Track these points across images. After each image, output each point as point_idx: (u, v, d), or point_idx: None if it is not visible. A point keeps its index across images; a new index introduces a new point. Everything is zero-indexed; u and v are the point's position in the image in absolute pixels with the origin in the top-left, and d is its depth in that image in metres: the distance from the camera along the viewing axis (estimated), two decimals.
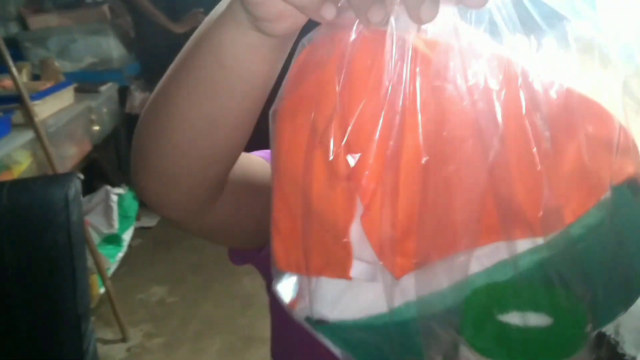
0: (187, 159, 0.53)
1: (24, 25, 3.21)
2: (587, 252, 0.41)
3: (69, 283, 1.39)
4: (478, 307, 0.40)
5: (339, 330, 0.44)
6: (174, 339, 2.54)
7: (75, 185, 1.43)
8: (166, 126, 0.52)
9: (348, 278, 0.42)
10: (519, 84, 0.40)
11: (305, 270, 0.44)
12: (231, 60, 0.47)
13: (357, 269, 0.42)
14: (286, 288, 0.46)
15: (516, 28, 0.40)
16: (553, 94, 0.41)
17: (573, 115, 0.41)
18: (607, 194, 0.41)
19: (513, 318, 0.41)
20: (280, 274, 0.46)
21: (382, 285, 0.41)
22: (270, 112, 0.46)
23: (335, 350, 0.46)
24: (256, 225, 0.68)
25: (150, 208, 0.59)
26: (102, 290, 2.51)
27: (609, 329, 1.34)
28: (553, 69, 0.42)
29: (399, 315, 0.41)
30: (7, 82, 2.51)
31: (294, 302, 0.45)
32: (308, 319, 0.45)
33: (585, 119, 0.41)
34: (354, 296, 0.43)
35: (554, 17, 0.41)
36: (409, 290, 0.41)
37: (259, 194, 0.65)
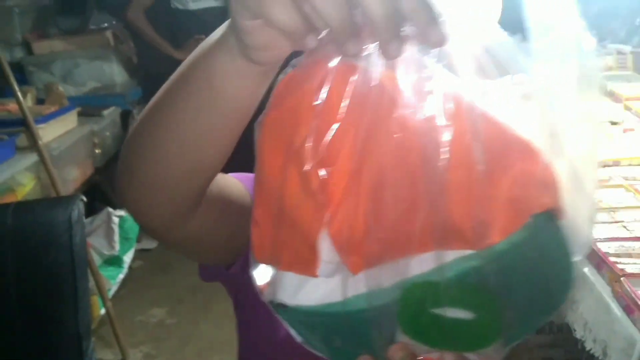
0: (172, 171, 0.57)
1: (29, 50, 3.29)
2: (510, 266, 0.47)
3: (70, 303, 1.42)
4: (414, 301, 0.47)
5: (296, 314, 0.51)
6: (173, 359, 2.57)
7: (78, 208, 1.48)
8: (156, 138, 0.57)
9: (314, 276, 0.49)
10: (466, 117, 0.46)
11: (276, 265, 0.51)
12: (220, 83, 0.52)
13: (321, 267, 0.48)
14: (259, 274, 0.52)
15: (471, 69, 0.46)
16: (495, 129, 0.47)
17: (509, 149, 0.47)
18: (530, 219, 0.47)
19: (443, 312, 0.47)
20: (256, 263, 0.52)
21: (339, 279, 0.48)
22: (256, 123, 0.52)
23: (294, 333, 0.53)
24: (226, 242, 0.73)
25: (130, 214, 0.63)
26: (102, 311, 2.54)
27: (597, 351, 1.37)
28: (497, 109, 0.48)
29: (350, 305, 0.48)
30: (12, 106, 2.56)
31: (263, 287, 0.52)
32: (271, 302, 0.52)
33: (518, 154, 0.48)
34: (314, 287, 0.49)
35: (501, 66, 0.47)
36: (360, 284, 0.47)
37: (231, 213, 0.70)
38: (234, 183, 0.73)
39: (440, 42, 0.43)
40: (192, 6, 3.18)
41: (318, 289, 0.49)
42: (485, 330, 0.49)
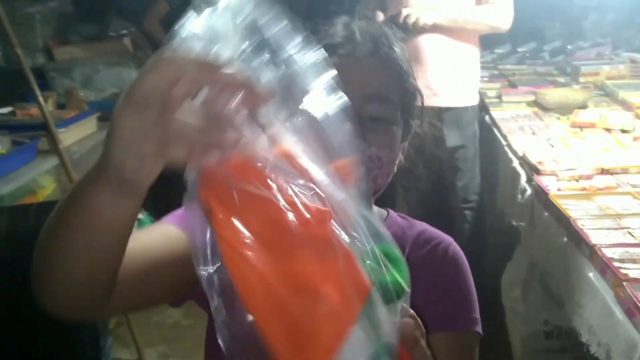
0: (74, 272, 0.61)
1: (50, 56, 3.36)
2: None
3: None
4: None
5: None
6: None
7: None
8: (55, 247, 0.61)
9: None
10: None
11: None
12: (99, 214, 0.56)
13: None
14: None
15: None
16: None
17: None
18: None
19: None
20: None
21: None
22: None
23: None
24: (172, 287, 0.79)
25: (48, 307, 0.66)
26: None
27: (601, 354, 1.39)
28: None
29: None
30: (34, 111, 2.64)
31: None
32: None
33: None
34: None
35: None
36: None
37: (166, 267, 0.74)
38: (161, 234, 0.79)
39: (268, 96, 0.50)
40: None
41: None
42: None
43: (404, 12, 2.43)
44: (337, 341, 0.50)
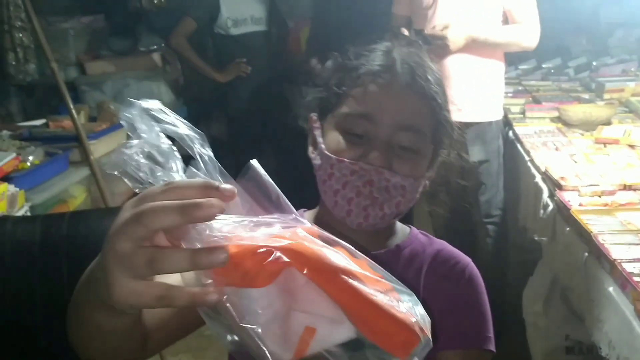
0: (99, 349, 0.69)
1: (82, 70, 3.46)
2: None
3: None
4: None
5: None
6: None
7: None
8: (79, 332, 0.69)
9: None
10: None
11: None
12: (99, 321, 0.63)
13: None
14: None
15: None
16: None
17: None
18: None
19: None
20: None
21: None
22: None
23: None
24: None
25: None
26: None
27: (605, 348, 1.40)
28: None
29: None
30: (67, 123, 2.72)
31: None
32: None
33: None
34: None
35: None
36: None
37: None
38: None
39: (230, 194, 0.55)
40: (233, 31, 3.32)
41: None
42: None
43: (436, 26, 2.45)
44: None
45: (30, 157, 2.31)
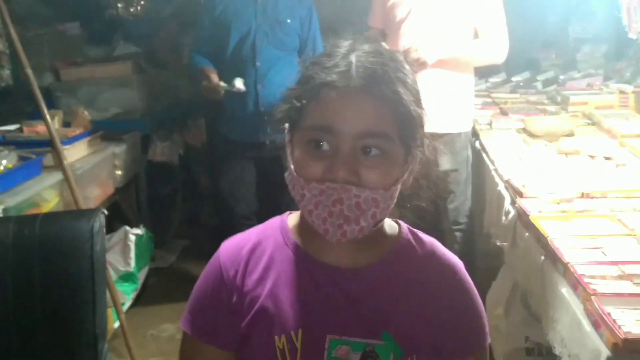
0: None
1: (56, 77, 3.47)
2: None
3: (89, 305, 1.55)
4: None
5: None
6: None
7: (100, 220, 1.62)
8: None
9: None
10: None
11: None
12: None
13: None
14: None
15: None
16: None
17: None
18: None
19: None
20: None
21: None
22: None
23: None
24: None
25: None
26: (116, 324, 2.67)
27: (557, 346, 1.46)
28: None
29: None
30: (40, 128, 2.74)
31: None
32: None
33: None
34: None
35: None
36: None
37: None
38: None
39: None
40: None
41: None
42: None
43: (409, 47, 2.51)
44: None
45: (4, 161, 2.33)
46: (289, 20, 2.87)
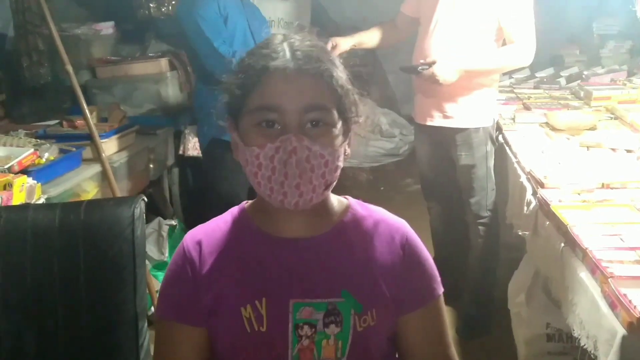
0: None
1: (93, 74, 3.60)
2: None
3: (130, 286, 1.64)
4: None
5: None
6: None
7: (140, 206, 1.71)
8: None
9: None
10: None
11: None
12: None
13: None
14: None
15: None
16: None
17: None
18: None
19: None
20: None
21: None
22: None
23: None
24: None
25: None
26: (151, 310, 2.77)
27: (589, 346, 1.53)
28: None
29: None
30: (79, 123, 2.87)
31: None
32: None
33: None
34: None
35: None
36: None
37: None
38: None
39: None
40: None
41: None
42: None
43: (434, 72, 2.50)
44: None
45: (46, 154, 2.45)
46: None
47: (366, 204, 1.20)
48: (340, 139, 1.06)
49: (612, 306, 1.41)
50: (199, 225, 1.19)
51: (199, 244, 1.13)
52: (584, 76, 4.00)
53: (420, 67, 2.56)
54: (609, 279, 1.45)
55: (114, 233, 1.66)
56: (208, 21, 2.71)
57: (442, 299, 1.16)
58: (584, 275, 1.61)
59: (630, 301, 1.35)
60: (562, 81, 4.02)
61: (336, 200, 1.17)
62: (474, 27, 2.60)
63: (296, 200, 1.02)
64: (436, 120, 2.78)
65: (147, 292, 2.64)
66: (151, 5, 4.13)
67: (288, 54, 1.03)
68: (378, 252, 1.12)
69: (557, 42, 4.37)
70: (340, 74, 1.07)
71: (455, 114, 2.71)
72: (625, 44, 4.24)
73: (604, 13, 4.39)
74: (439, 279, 1.16)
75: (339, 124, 1.06)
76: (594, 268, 1.56)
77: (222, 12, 2.76)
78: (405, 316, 1.12)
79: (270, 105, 1.01)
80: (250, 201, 1.19)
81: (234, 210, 1.19)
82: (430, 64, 2.53)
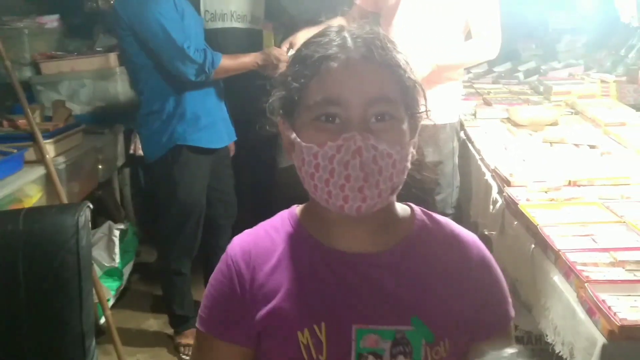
0: None
1: (37, 70, 3.41)
2: None
3: (75, 302, 1.51)
4: None
5: None
6: None
7: (85, 214, 1.58)
8: None
9: None
10: None
11: None
12: None
13: None
14: None
15: None
16: None
17: None
18: None
19: None
20: None
21: None
22: None
23: None
24: None
25: None
26: (102, 320, 2.63)
27: (565, 353, 1.47)
28: None
29: None
30: (21, 122, 2.69)
31: None
32: None
33: None
34: None
35: None
36: None
37: None
38: None
39: None
40: (210, 25, 3.18)
41: None
42: None
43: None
44: None
45: None
46: None
47: (431, 213, 1.06)
48: (408, 135, 0.94)
49: (590, 312, 1.35)
50: (245, 232, 1.04)
51: (248, 254, 0.99)
52: (541, 71, 4.00)
53: None
54: (586, 284, 1.39)
55: (56, 244, 1.54)
56: (170, 20, 2.51)
57: (511, 324, 1.03)
58: (557, 278, 1.55)
59: (609, 308, 1.29)
60: (520, 76, 4.01)
61: (400, 208, 1.02)
62: (440, 20, 2.55)
63: (359, 206, 0.88)
64: None
65: (98, 301, 2.51)
66: None
67: (350, 42, 0.92)
68: (452, 272, 0.97)
69: (513, 36, 4.35)
70: (407, 67, 0.95)
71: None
72: (580, 39, 4.25)
73: (559, 7, 4.39)
74: (510, 299, 1.02)
75: (407, 120, 0.94)
76: (568, 271, 1.50)
77: (178, 9, 2.59)
78: (478, 344, 0.97)
79: (330, 98, 0.89)
80: (300, 206, 1.04)
81: (284, 215, 1.04)
82: None
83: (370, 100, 0.89)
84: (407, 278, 0.95)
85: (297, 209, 1.04)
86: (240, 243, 1.02)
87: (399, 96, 0.92)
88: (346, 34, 0.94)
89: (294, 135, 0.93)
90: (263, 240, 1.00)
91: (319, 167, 0.89)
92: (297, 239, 0.99)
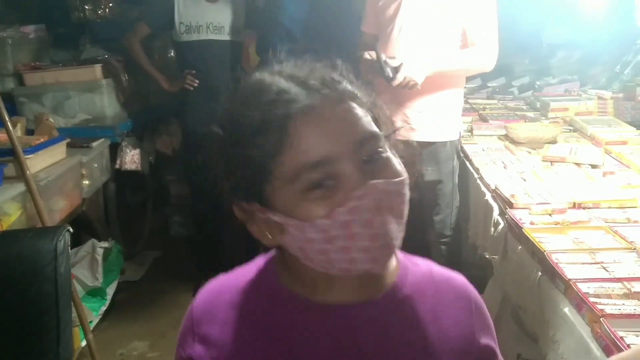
0: None
1: (20, 81, 3.30)
2: None
3: (52, 334, 1.42)
4: None
5: None
6: None
7: (65, 238, 1.49)
8: None
9: None
10: None
11: None
12: None
13: None
14: None
15: None
16: None
17: None
18: None
19: None
20: None
21: None
22: None
23: None
24: None
25: None
26: (83, 343, 2.52)
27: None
28: None
29: None
30: (2, 136, 2.58)
31: None
32: None
33: None
34: None
35: None
36: None
37: None
38: None
39: None
40: (185, 38, 3.18)
41: None
42: None
43: (402, 78, 2.36)
44: None
45: None
46: None
47: (409, 255, 0.91)
48: (401, 164, 0.80)
49: (607, 349, 1.26)
50: (212, 282, 0.91)
51: (211, 313, 0.87)
52: (536, 86, 3.94)
53: (384, 60, 2.38)
54: (601, 319, 1.30)
55: (33, 270, 1.44)
56: None
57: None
58: (567, 310, 1.46)
59: (629, 346, 1.20)
60: (515, 91, 3.96)
61: None
62: (440, 31, 2.49)
63: (385, 259, 0.76)
64: (400, 132, 2.61)
65: (80, 324, 2.40)
66: (86, 7, 3.89)
67: (297, 89, 0.76)
68: (446, 322, 0.85)
69: (506, 51, 4.29)
70: (359, 87, 0.81)
71: (420, 126, 2.55)
72: (574, 54, 4.21)
73: (552, 22, 4.34)
74: (495, 339, 0.91)
75: (388, 147, 0.80)
76: (580, 303, 1.42)
77: None
78: None
79: (316, 161, 0.73)
80: (273, 252, 0.89)
81: (259, 263, 0.90)
82: (398, 68, 2.37)
83: (355, 143, 0.75)
84: (399, 331, 0.83)
85: (274, 252, 0.89)
86: (205, 297, 0.91)
87: (376, 126, 0.79)
88: (283, 81, 0.77)
89: (278, 217, 0.76)
90: (231, 295, 0.88)
91: (334, 239, 0.74)
92: (271, 294, 0.85)
